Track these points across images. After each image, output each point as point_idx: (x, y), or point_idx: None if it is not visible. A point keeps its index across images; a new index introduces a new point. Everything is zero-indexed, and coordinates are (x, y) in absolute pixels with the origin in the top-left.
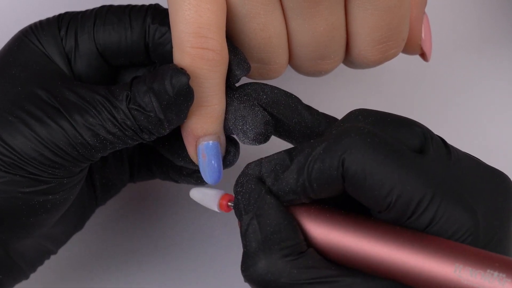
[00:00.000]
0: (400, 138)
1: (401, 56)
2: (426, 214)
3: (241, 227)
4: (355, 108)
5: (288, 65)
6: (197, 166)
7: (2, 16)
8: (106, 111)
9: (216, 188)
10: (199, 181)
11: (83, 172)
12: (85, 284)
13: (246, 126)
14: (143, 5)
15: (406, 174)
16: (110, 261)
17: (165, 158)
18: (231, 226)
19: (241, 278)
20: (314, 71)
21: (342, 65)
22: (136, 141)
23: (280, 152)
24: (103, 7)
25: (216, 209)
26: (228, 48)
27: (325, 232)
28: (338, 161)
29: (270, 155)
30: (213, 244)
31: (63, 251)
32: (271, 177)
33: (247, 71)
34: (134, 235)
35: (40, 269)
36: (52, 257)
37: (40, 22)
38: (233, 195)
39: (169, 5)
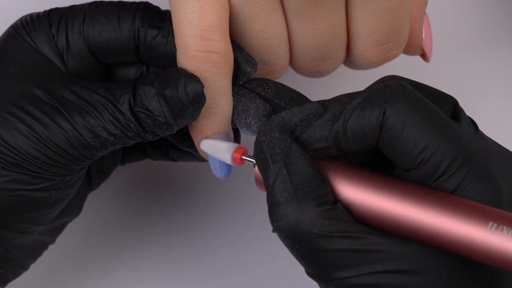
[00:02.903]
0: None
1: (402, 56)
2: (455, 177)
3: (267, 177)
4: None
5: (289, 66)
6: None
7: (2, 16)
8: (107, 113)
9: (228, 142)
10: (201, 158)
11: (85, 168)
12: (83, 272)
13: (249, 119)
14: (133, 3)
15: (443, 134)
16: (94, 257)
17: (162, 139)
18: (227, 213)
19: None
20: (314, 72)
21: (342, 66)
22: (137, 141)
23: (311, 102)
24: (92, 3)
25: (229, 161)
26: (232, 48)
27: (351, 188)
28: (380, 110)
29: (298, 107)
30: (211, 231)
31: (59, 241)
32: (302, 125)
33: (256, 67)
34: (130, 222)
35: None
36: (50, 247)
37: (31, 17)
38: (245, 149)
39: (171, 7)
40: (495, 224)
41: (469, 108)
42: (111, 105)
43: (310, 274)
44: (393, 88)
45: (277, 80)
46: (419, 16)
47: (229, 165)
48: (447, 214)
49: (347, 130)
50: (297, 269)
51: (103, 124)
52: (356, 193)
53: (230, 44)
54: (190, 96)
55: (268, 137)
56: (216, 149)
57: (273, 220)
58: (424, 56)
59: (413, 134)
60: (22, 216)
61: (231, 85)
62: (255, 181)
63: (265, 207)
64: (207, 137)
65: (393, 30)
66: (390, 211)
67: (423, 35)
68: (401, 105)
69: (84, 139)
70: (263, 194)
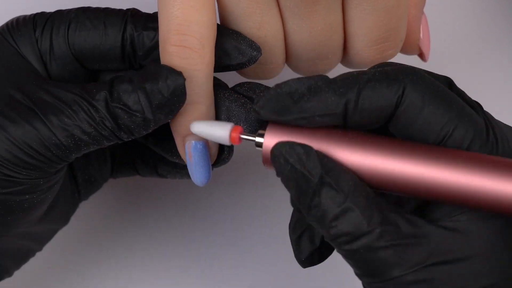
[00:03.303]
0: None
1: (399, 56)
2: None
3: (309, 194)
4: None
5: (286, 65)
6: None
7: (2, 16)
8: (82, 111)
9: (222, 121)
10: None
11: (60, 172)
12: (73, 280)
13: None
14: (119, 11)
15: (462, 110)
16: (96, 256)
17: (151, 154)
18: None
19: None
20: (311, 71)
21: (340, 65)
22: (112, 142)
23: (318, 74)
24: (79, 10)
25: (227, 142)
26: (233, 35)
27: (379, 157)
28: (400, 85)
29: (306, 77)
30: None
31: (48, 248)
32: (311, 91)
33: (260, 50)
34: (121, 230)
35: (25, 267)
36: (38, 254)
37: (17, 20)
38: (241, 127)
39: (158, 2)
40: None
41: None
42: (86, 103)
43: (363, 276)
44: (409, 68)
45: (273, 79)
46: (417, 15)
47: (207, 171)
48: (479, 174)
49: (360, 99)
50: (297, 269)
51: (77, 123)
52: (387, 162)
53: (210, 42)
54: (171, 88)
55: (291, 152)
56: (211, 129)
57: (329, 228)
58: (422, 55)
59: (435, 109)
60: None
61: (208, 84)
62: (263, 161)
63: (266, 206)
64: (184, 137)
65: (390, 29)
66: (423, 176)
67: (421, 35)
68: (419, 82)
69: (57, 138)
70: (264, 195)
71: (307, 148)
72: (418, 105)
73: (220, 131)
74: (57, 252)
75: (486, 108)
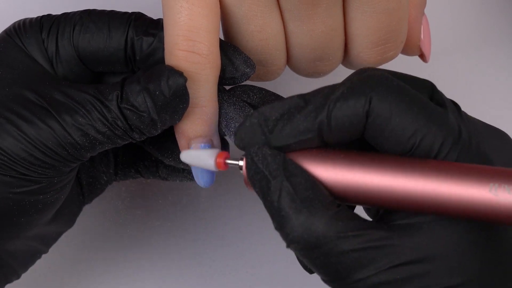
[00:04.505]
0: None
1: (400, 57)
2: (448, 159)
3: (269, 194)
4: None
5: (287, 67)
6: (187, 165)
7: (2, 16)
8: (96, 111)
9: (209, 149)
10: (192, 177)
11: (73, 171)
12: (77, 282)
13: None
14: (124, 14)
15: (429, 118)
16: (95, 257)
17: (153, 156)
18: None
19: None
20: (312, 73)
21: (341, 66)
22: (126, 141)
23: (291, 96)
24: (84, 12)
25: (213, 168)
26: (229, 49)
27: (349, 172)
28: (366, 98)
29: (279, 101)
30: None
31: (54, 250)
32: (283, 118)
33: (254, 68)
34: (120, 231)
35: (32, 268)
36: (44, 256)
37: (24, 22)
38: (227, 152)
39: (163, 7)
40: (496, 185)
41: (468, 109)
42: (99, 103)
43: (329, 281)
44: (377, 77)
45: (274, 80)
46: (417, 16)
47: (211, 173)
48: (446, 181)
49: (332, 120)
50: (297, 269)
51: (91, 122)
52: (353, 175)
53: (217, 48)
54: (172, 89)
55: (260, 155)
56: (198, 157)
57: (287, 234)
58: (422, 56)
59: (401, 120)
60: (10, 220)
61: (215, 88)
62: (245, 183)
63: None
64: (190, 140)
65: (391, 31)
66: (391, 187)
67: (422, 36)
68: (386, 93)
69: (72, 137)
70: None
71: (275, 151)
72: (385, 116)
73: (206, 159)
74: (57, 252)
75: (486, 107)
